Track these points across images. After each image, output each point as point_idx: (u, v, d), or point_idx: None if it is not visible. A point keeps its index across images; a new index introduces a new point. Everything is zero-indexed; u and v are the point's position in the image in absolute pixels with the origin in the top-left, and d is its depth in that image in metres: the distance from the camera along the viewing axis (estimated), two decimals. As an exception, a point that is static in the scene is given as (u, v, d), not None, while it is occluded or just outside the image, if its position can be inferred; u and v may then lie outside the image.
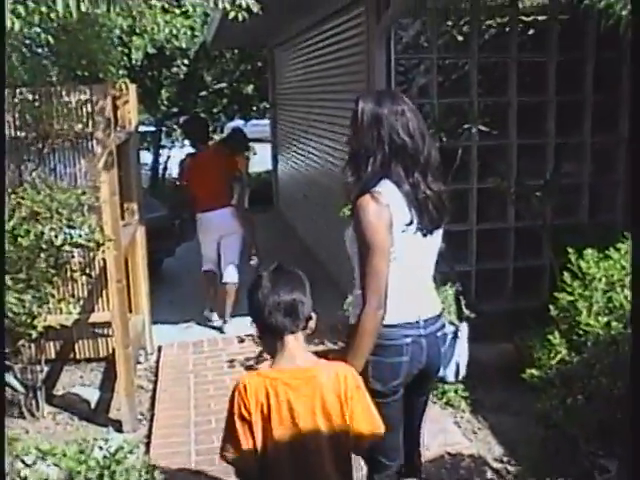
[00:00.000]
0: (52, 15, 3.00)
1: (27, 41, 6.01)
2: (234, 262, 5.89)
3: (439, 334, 2.64)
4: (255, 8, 4.18)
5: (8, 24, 2.75)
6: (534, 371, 3.05)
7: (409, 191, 2.48)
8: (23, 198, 3.69)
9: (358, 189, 2.49)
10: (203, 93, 12.92)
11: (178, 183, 6.49)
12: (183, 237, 7.70)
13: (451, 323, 2.84)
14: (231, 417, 2.23)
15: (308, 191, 8.34)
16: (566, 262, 3.33)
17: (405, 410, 2.66)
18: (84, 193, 3.82)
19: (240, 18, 4.12)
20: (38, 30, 5.62)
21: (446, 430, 4.14)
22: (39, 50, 6.43)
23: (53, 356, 5.25)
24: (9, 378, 3.08)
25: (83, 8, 3.27)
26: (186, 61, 11.31)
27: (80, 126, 4.15)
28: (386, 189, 2.46)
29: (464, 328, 2.80)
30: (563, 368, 2.95)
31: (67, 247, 3.79)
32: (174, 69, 11.62)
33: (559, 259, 3.98)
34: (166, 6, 5.52)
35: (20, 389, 3.20)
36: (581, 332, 3.00)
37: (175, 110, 12.76)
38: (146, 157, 13.79)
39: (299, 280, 2.26)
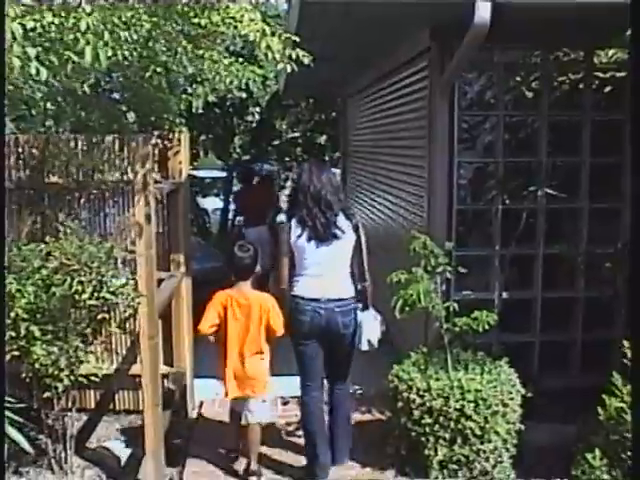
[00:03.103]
0: (82, 64, 2.91)
1: (106, 86, 6.16)
2: None
3: (338, 310, 4.08)
4: (306, 60, 4.06)
5: (33, 71, 2.67)
6: None
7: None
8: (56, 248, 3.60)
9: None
10: (276, 142, 12.96)
11: None
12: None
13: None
14: (209, 309, 4.24)
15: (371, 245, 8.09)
16: (621, 356, 2.96)
17: (328, 361, 4.25)
18: (113, 247, 3.71)
19: (289, 69, 4.02)
20: (114, 75, 5.78)
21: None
22: (116, 96, 6.56)
23: (92, 406, 5.13)
24: (11, 430, 2.92)
25: (120, 55, 3.21)
26: (258, 109, 11.38)
27: (119, 176, 4.07)
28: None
29: (368, 317, 4.17)
30: None
31: (94, 301, 3.67)
32: (247, 117, 11.70)
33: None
34: (225, 54, 5.55)
35: (27, 447, 3.05)
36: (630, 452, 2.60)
37: (247, 157, 12.83)
38: (218, 203, 13.92)
39: (253, 249, 4.27)
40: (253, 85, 5.95)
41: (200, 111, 6.59)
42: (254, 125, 12.04)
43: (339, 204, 4.14)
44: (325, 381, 4.38)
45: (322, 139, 13.12)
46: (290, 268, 4.12)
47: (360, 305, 4.22)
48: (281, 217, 6.47)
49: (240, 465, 4.43)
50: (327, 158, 13.58)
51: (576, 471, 2.73)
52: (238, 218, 9.57)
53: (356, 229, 4.18)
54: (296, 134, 13.17)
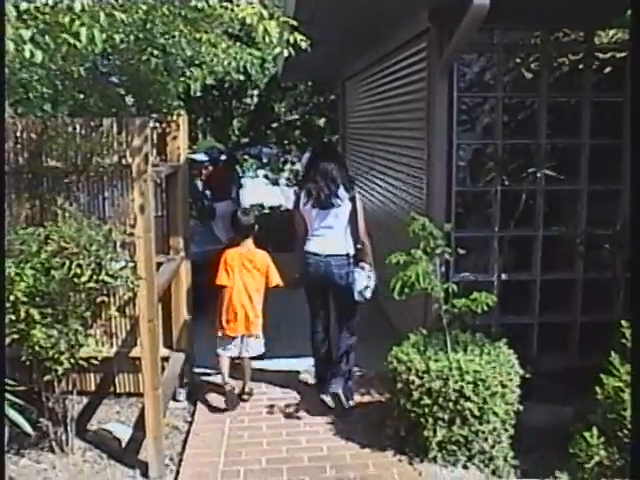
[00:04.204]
0: (79, 46, 2.88)
1: (104, 69, 6.11)
2: None
3: (334, 263, 4.85)
4: (304, 44, 4.03)
5: (27, 54, 2.65)
6: (565, 476, 2.66)
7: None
8: (55, 231, 3.59)
9: None
10: (274, 124, 12.90)
11: None
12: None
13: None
14: (220, 268, 5.07)
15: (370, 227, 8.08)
16: (620, 336, 2.96)
17: (334, 306, 5.11)
18: (111, 230, 3.70)
19: (285, 54, 3.99)
20: (111, 58, 5.74)
21: (490, 505, 3.77)
22: (114, 79, 6.52)
23: (92, 388, 5.15)
24: (12, 412, 2.93)
25: (117, 38, 3.18)
26: (257, 92, 11.31)
27: (118, 159, 4.05)
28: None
29: (359, 272, 4.79)
30: (601, 474, 2.53)
31: (93, 284, 3.66)
32: (246, 100, 11.64)
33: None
34: (225, 39, 5.52)
35: (27, 429, 3.05)
36: (626, 430, 2.59)
37: (246, 140, 12.78)
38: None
39: (253, 216, 5.31)
40: (251, 68, 5.93)
41: (198, 94, 6.56)
42: (252, 108, 11.98)
43: (341, 179, 4.91)
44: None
45: (321, 122, 13.05)
46: (305, 225, 5.05)
47: (351, 263, 4.90)
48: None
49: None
50: (325, 141, 13.55)
51: (574, 449, 2.74)
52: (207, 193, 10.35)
53: (352, 200, 4.91)
54: (294, 117, 13.11)
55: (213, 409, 5.06)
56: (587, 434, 2.62)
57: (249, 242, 5.16)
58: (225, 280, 5.06)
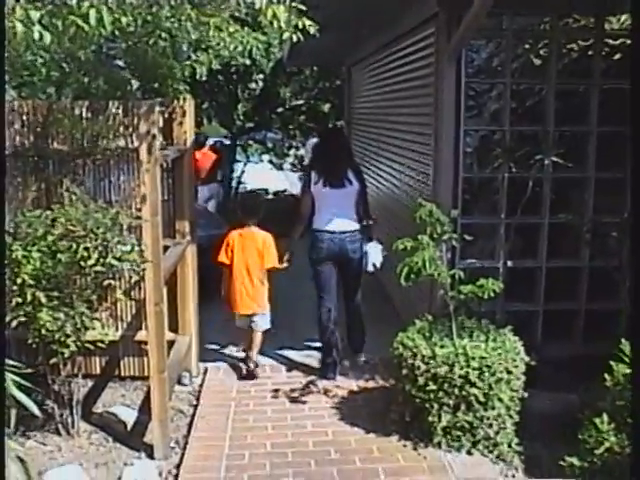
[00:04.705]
0: (86, 28, 2.86)
1: (109, 52, 6.08)
2: None
3: (348, 239, 5.19)
4: (312, 29, 4.00)
5: (36, 36, 2.64)
6: (575, 460, 2.66)
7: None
8: (61, 214, 3.59)
9: None
10: (279, 109, 12.85)
11: None
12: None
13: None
14: (222, 247, 5.36)
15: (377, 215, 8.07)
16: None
17: (342, 280, 5.41)
18: (118, 213, 3.70)
19: (295, 39, 3.96)
20: (118, 41, 5.71)
21: (494, 489, 3.78)
22: (120, 63, 6.48)
23: (98, 372, 5.17)
24: (20, 394, 2.94)
25: (124, 21, 3.16)
26: (262, 76, 11.26)
27: (124, 142, 4.03)
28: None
29: (372, 246, 5.24)
30: (611, 459, 2.53)
31: (99, 267, 3.66)
32: (251, 84, 11.59)
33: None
34: (231, 22, 5.48)
35: (35, 411, 3.06)
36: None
37: (251, 125, 12.74)
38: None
39: (260, 199, 6.10)
40: (256, 52, 5.89)
41: (204, 78, 6.53)
42: (257, 93, 11.93)
43: (349, 161, 5.38)
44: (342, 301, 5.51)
45: (326, 107, 13.00)
46: (311, 207, 5.30)
47: (362, 238, 5.31)
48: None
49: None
50: (331, 126, 13.51)
51: (583, 435, 2.73)
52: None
53: (360, 180, 5.31)
54: (299, 102, 13.05)
55: (219, 392, 5.08)
56: (597, 420, 2.61)
57: (252, 224, 5.40)
58: (224, 258, 5.34)
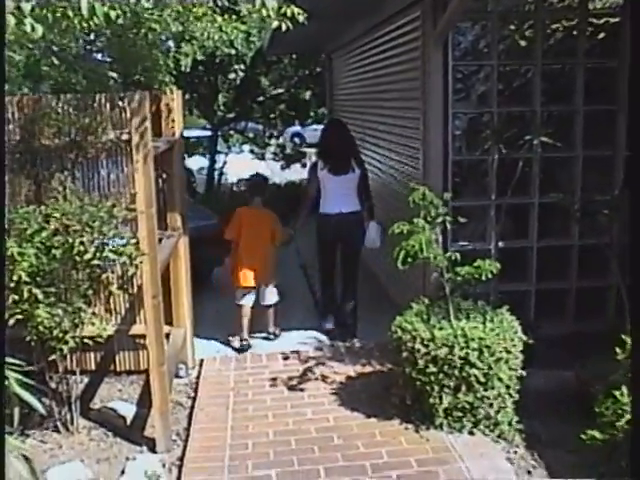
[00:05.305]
0: (76, 21, 2.82)
1: (87, 47, 6.01)
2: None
3: (350, 219, 5.75)
4: (301, 17, 3.98)
5: (28, 29, 2.60)
6: (596, 433, 2.68)
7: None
8: (55, 209, 3.55)
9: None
10: (260, 99, 12.79)
11: None
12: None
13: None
14: (231, 221, 5.77)
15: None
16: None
17: (342, 260, 5.99)
18: (114, 206, 3.67)
19: (284, 27, 3.93)
20: (93, 37, 5.64)
21: (497, 468, 3.81)
22: (98, 56, 6.41)
23: (93, 367, 5.14)
24: (24, 393, 2.92)
25: (113, 14, 3.12)
26: (242, 66, 11.19)
27: (116, 135, 3.99)
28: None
29: (372, 225, 5.82)
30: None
31: (96, 261, 3.63)
32: (231, 75, 11.51)
33: (627, 280, 3.64)
34: (217, 11, 5.44)
35: (39, 408, 3.04)
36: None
37: (232, 115, 12.66)
38: (203, 162, 13.82)
39: (265, 180, 6.18)
40: (237, 42, 5.86)
41: (188, 70, 6.48)
42: (238, 83, 11.85)
43: (351, 150, 5.92)
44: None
45: (306, 95, 12.95)
46: (317, 191, 5.87)
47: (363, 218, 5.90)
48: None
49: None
50: (312, 114, 13.48)
51: (600, 408, 2.76)
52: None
53: (361, 166, 5.87)
54: (280, 90, 12.99)
55: (216, 383, 5.08)
56: (617, 392, 2.64)
57: (258, 201, 5.82)
58: (233, 235, 5.75)
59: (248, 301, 5.78)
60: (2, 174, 2.57)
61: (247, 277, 5.70)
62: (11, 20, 2.68)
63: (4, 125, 3.21)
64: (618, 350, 2.94)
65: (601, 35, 5.19)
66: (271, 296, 5.88)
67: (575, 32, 5.19)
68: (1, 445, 2.55)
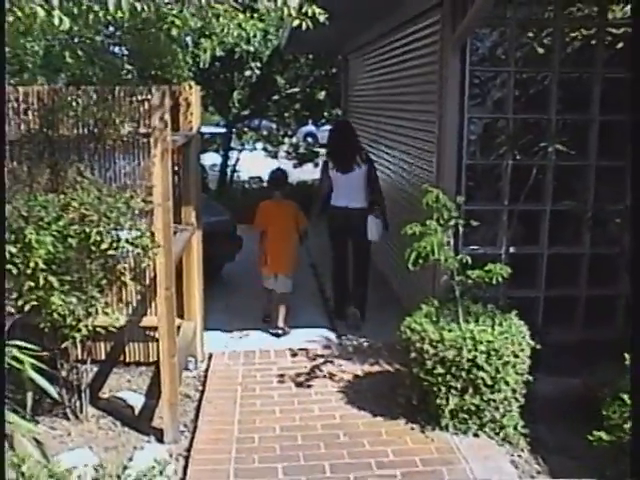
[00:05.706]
0: (100, 14, 2.87)
1: (105, 40, 6.06)
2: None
3: (356, 213, 6.07)
4: (322, 17, 4.00)
5: (56, 21, 2.64)
6: (603, 434, 2.71)
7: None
8: (73, 199, 3.60)
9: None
10: (275, 97, 12.84)
11: None
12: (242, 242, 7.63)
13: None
14: (257, 214, 6.17)
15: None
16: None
17: (353, 251, 6.33)
18: (132, 197, 3.71)
19: (304, 27, 3.96)
20: (112, 29, 5.68)
21: (502, 470, 3.84)
22: (115, 49, 6.44)
23: (103, 357, 5.20)
24: (38, 377, 2.96)
25: (138, 7, 3.17)
26: (259, 64, 11.24)
27: (135, 128, 4.04)
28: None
29: (371, 219, 6.04)
30: None
31: (112, 251, 3.68)
32: (247, 72, 11.56)
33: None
34: (239, 9, 5.47)
35: (53, 393, 3.09)
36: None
37: (246, 113, 12.71)
38: (216, 159, 13.87)
39: (285, 175, 6.42)
40: (254, 40, 5.90)
41: (206, 66, 6.52)
42: (254, 80, 11.90)
43: (356, 149, 6.28)
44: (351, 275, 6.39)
45: (321, 95, 12.99)
46: (329, 188, 6.29)
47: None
48: None
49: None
50: (326, 114, 13.51)
51: (607, 411, 2.79)
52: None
53: (368, 163, 6.22)
54: (295, 89, 13.03)
55: (224, 378, 5.12)
56: (625, 395, 2.67)
57: (278, 194, 6.22)
58: (262, 226, 6.15)
59: (269, 285, 6.19)
60: (2, 172, 2.61)
61: (276, 263, 6.09)
62: (40, 12, 2.73)
63: (4, 122, 3.25)
64: (627, 356, 2.97)
65: (620, 45, 5.20)
66: (285, 285, 6.11)
67: (593, 41, 5.21)
68: (1, 445, 2.58)
